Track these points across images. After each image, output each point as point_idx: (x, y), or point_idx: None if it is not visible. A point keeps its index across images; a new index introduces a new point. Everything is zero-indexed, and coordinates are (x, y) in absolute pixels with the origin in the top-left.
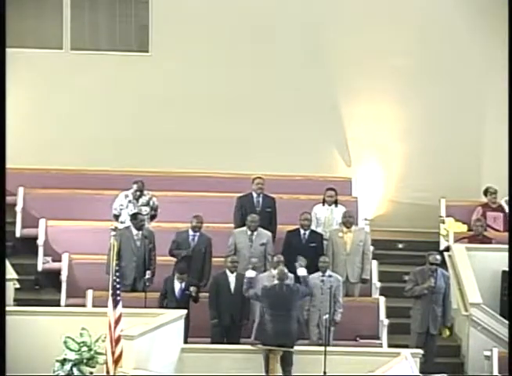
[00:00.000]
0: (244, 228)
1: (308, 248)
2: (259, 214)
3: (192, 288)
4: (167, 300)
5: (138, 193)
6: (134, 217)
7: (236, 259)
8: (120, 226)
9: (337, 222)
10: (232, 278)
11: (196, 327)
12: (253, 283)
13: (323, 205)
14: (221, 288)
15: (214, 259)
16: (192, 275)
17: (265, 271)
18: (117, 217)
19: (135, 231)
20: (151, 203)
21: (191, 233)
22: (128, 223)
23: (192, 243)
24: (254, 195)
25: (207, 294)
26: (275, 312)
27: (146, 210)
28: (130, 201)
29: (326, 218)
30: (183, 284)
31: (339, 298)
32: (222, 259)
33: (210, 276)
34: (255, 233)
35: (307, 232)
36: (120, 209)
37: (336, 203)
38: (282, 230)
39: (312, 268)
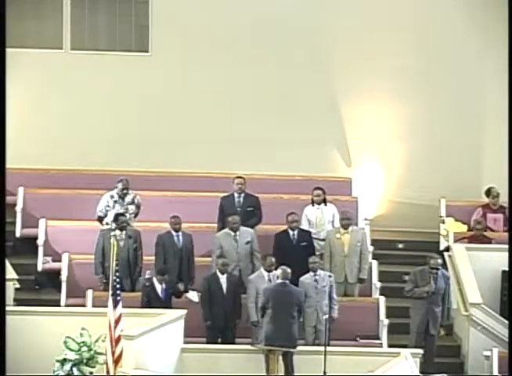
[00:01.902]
0: (226, 229)
1: (298, 248)
2: (240, 213)
3: (180, 285)
4: (150, 303)
5: (124, 191)
6: (115, 218)
7: (227, 261)
8: (106, 227)
9: (328, 220)
10: (223, 279)
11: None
12: (245, 284)
13: (312, 205)
14: (214, 290)
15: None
16: (182, 272)
17: (253, 269)
18: (101, 219)
19: (118, 232)
20: (135, 201)
21: (174, 233)
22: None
23: (179, 243)
24: (236, 195)
25: (200, 294)
26: (278, 313)
27: (132, 208)
28: (116, 201)
29: (317, 217)
30: (164, 285)
31: (333, 294)
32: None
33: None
34: (238, 232)
35: (295, 232)
36: (107, 210)
37: (325, 202)
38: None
39: (305, 268)
